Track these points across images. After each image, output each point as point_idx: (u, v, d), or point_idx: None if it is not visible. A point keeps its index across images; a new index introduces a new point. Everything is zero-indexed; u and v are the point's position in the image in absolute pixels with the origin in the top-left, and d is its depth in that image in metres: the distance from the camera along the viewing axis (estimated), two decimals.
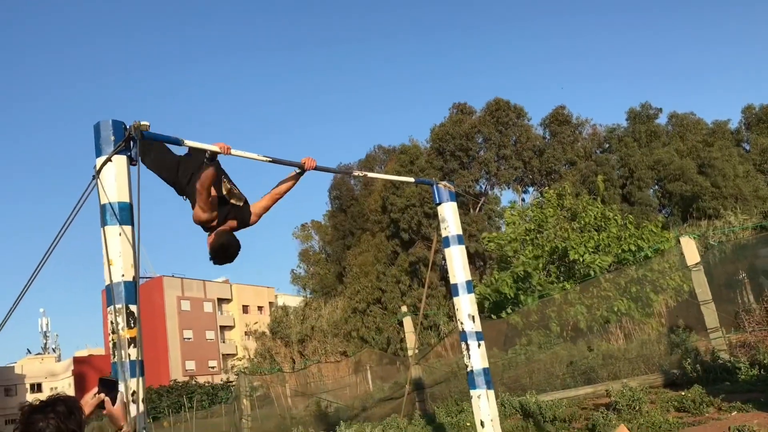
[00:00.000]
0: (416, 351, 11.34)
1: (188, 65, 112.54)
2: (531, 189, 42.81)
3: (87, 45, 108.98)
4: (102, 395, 2.67)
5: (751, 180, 36.66)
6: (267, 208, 4.67)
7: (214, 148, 4.04)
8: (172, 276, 66.02)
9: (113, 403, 2.69)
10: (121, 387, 3.10)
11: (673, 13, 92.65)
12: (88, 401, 2.65)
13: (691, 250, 10.00)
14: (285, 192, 4.73)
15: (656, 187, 39.63)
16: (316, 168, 4.75)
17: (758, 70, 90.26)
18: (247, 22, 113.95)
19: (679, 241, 10.67)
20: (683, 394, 7.82)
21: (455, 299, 5.41)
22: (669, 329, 11.61)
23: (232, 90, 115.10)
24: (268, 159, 4.45)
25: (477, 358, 5.18)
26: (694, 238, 11.13)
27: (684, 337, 10.39)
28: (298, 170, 4.70)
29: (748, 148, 42.69)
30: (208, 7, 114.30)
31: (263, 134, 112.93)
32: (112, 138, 3.49)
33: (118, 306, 3.31)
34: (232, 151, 4.16)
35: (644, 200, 37.33)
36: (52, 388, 66.72)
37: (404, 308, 12.13)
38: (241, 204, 4.46)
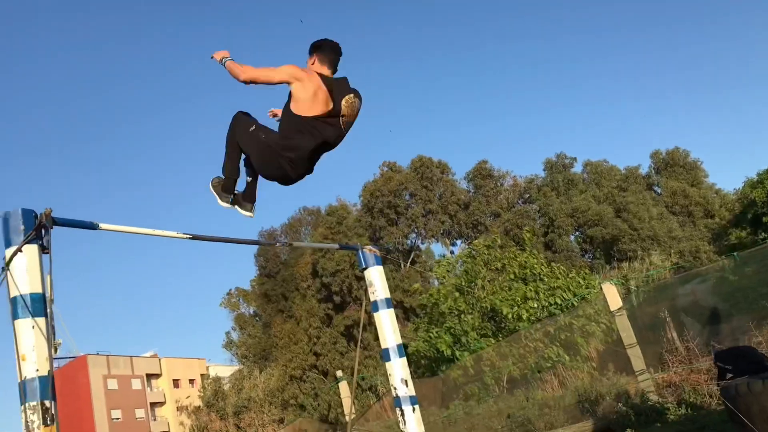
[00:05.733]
0: (352, 416, 11.15)
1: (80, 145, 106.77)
2: (459, 242, 43.62)
3: None
4: None
5: (665, 221, 38.51)
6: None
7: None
8: (97, 354, 63.01)
9: None
10: None
11: (579, 66, 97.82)
12: None
13: (612, 295, 10.32)
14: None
15: (577, 233, 41.09)
16: (238, 242, 4.75)
17: (662, 117, 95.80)
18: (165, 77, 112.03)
19: (602, 288, 11.00)
20: None
21: (387, 364, 5.40)
22: (600, 373, 11.83)
23: (145, 153, 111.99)
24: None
25: (412, 423, 5.15)
26: (616, 283, 11.51)
27: (614, 381, 10.61)
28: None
29: (659, 191, 44.98)
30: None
31: (178, 202, 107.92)
32: (22, 228, 3.38)
33: (32, 403, 3.16)
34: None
35: (565, 247, 38.59)
36: None
37: (340, 372, 11.95)
38: None
